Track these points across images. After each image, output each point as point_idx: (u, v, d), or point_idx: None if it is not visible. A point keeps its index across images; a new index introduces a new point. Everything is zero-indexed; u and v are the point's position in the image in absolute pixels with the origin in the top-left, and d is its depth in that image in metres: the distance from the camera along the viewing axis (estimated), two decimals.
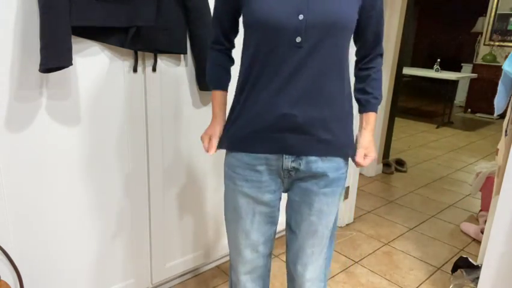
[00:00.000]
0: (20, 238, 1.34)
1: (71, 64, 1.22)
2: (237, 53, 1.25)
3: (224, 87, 1.20)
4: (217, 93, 1.19)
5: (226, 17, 1.14)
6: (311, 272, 1.19)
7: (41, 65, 1.17)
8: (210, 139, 1.18)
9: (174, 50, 1.50)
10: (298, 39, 0.97)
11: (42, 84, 1.28)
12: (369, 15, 1.07)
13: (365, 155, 1.15)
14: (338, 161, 1.09)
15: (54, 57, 1.18)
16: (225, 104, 1.21)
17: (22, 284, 1.36)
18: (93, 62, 1.37)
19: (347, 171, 1.14)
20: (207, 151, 1.17)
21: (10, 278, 1.35)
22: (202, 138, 1.20)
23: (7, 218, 1.30)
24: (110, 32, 1.35)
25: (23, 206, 1.33)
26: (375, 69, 1.15)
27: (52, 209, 1.39)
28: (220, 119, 1.19)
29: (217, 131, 1.17)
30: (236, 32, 1.19)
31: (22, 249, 1.36)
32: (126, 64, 1.45)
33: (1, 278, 1.32)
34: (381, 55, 1.16)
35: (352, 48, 1.12)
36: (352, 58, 1.15)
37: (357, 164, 1.15)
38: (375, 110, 1.15)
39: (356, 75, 1.18)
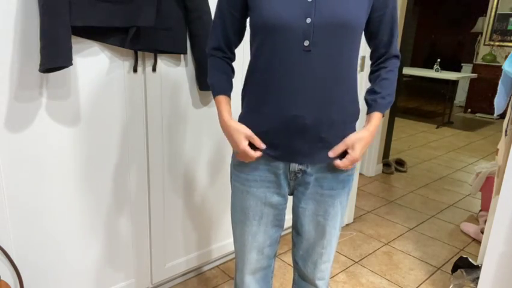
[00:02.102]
0: (20, 238, 1.34)
1: (71, 64, 1.22)
2: (239, 55, 1.24)
3: (229, 94, 1.13)
4: (225, 99, 1.10)
5: (232, 22, 1.09)
6: (322, 271, 1.21)
7: (41, 65, 1.17)
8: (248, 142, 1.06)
9: (174, 50, 1.50)
10: (306, 43, 0.96)
11: (42, 84, 1.28)
12: (382, 14, 1.05)
13: (347, 154, 1.04)
14: None
15: (54, 57, 1.18)
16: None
17: (22, 284, 1.36)
18: (93, 62, 1.37)
19: (353, 173, 1.14)
20: (254, 156, 1.05)
21: (10, 278, 1.35)
22: (245, 151, 1.05)
23: (7, 218, 1.30)
24: (110, 32, 1.35)
25: (23, 206, 1.33)
26: (386, 69, 1.09)
27: (52, 209, 1.39)
28: (235, 121, 1.08)
29: (244, 129, 1.05)
30: (239, 40, 1.15)
31: (22, 249, 1.36)
32: (126, 64, 1.45)
33: (1, 278, 1.32)
34: (396, 56, 1.11)
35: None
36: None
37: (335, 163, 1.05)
38: (380, 110, 1.06)
39: (368, 79, 1.15)
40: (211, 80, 1.13)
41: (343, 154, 1.06)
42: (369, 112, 1.08)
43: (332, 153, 1.04)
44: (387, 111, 3.40)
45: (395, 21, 1.07)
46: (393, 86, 1.09)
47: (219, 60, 1.13)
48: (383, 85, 1.08)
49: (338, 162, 1.05)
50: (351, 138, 1.03)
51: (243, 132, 1.05)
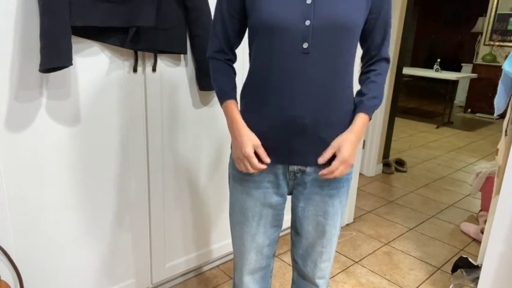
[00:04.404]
0: (20, 238, 1.34)
1: (71, 64, 1.22)
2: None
3: (236, 97, 1.12)
4: (234, 103, 1.10)
5: (232, 23, 1.09)
6: (322, 270, 1.21)
7: (41, 65, 1.17)
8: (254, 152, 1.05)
9: (174, 50, 1.50)
10: (305, 45, 0.97)
11: (42, 84, 1.28)
12: (376, 16, 1.05)
13: (335, 158, 1.03)
14: None
15: (54, 57, 1.18)
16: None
17: (22, 284, 1.36)
18: (93, 62, 1.37)
19: (352, 172, 1.14)
20: (258, 168, 1.04)
21: (10, 278, 1.35)
22: (248, 157, 1.03)
23: (7, 218, 1.30)
24: (110, 32, 1.35)
25: (23, 206, 1.33)
26: (375, 72, 1.10)
27: (52, 209, 1.39)
28: (247, 128, 1.07)
29: (255, 138, 1.05)
30: (240, 40, 1.15)
31: (22, 249, 1.36)
32: (126, 64, 1.45)
33: (1, 278, 1.32)
34: (386, 60, 1.11)
35: (358, 54, 1.10)
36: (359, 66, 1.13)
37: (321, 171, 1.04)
38: (365, 111, 1.06)
39: (358, 80, 1.15)
40: (216, 85, 1.13)
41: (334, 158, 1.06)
42: (355, 113, 1.08)
43: (321, 159, 1.04)
44: (387, 112, 3.40)
45: (388, 24, 1.08)
46: (380, 88, 1.09)
47: (221, 63, 1.13)
48: (371, 87, 1.09)
49: (328, 168, 1.03)
50: (336, 141, 1.04)
51: (252, 140, 1.04)
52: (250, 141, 1.04)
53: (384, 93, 1.12)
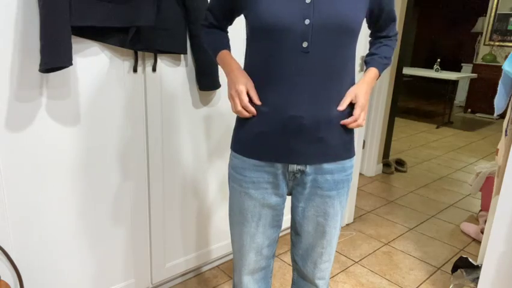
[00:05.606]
0: (20, 238, 1.34)
1: (71, 64, 1.22)
2: (239, 58, 1.25)
3: (229, 48, 1.15)
4: (228, 52, 1.13)
5: (222, 15, 1.16)
6: (322, 271, 1.21)
7: (41, 65, 1.17)
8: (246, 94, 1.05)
9: (174, 50, 1.50)
10: (304, 44, 0.97)
11: (42, 84, 1.28)
12: (381, 9, 1.10)
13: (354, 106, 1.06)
14: (344, 163, 1.10)
15: (54, 57, 1.18)
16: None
17: (22, 284, 1.36)
18: (93, 62, 1.37)
19: (352, 172, 1.14)
20: (246, 106, 1.03)
21: (10, 278, 1.35)
22: (240, 93, 1.03)
23: (7, 218, 1.30)
24: (110, 32, 1.35)
25: (23, 206, 1.33)
26: (387, 39, 1.16)
27: (52, 209, 1.39)
28: (241, 70, 1.07)
29: (249, 80, 1.05)
30: (230, 23, 1.20)
31: (22, 249, 1.36)
32: (126, 64, 1.45)
33: (1, 278, 1.32)
34: (395, 35, 1.18)
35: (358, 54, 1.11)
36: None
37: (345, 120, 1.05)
38: (377, 67, 1.12)
39: (369, 48, 1.21)
40: (207, 41, 1.18)
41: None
42: (366, 68, 1.13)
43: (340, 107, 1.04)
44: (387, 112, 3.40)
45: (393, 11, 1.13)
46: (391, 52, 1.16)
47: (212, 28, 1.18)
48: (383, 49, 1.15)
49: (352, 117, 1.05)
50: (352, 90, 1.06)
51: (248, 79, 1.05)
52: (245, 79, 1.05)
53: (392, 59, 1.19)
